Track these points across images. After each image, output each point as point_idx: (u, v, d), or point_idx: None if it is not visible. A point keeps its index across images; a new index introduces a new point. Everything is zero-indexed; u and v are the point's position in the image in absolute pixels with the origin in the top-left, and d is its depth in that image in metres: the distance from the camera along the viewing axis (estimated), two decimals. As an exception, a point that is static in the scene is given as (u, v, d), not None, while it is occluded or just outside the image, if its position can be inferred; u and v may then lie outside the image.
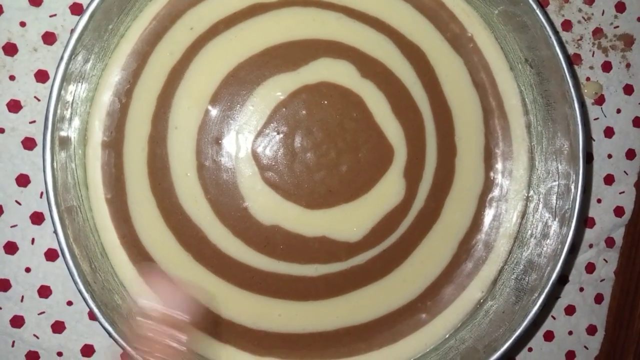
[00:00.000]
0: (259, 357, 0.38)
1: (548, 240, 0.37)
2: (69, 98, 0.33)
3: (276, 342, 0.39)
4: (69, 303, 0.39)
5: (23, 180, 0.38)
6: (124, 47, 0.36)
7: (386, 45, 0.38)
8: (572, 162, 0.36)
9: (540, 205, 0.39)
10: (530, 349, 0.45)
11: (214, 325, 0.38)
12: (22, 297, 0.39)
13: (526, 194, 0.40)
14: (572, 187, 0.36)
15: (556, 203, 0.38)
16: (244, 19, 0.37)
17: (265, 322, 0.38)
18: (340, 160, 0.38)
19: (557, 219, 0.37)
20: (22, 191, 0.38)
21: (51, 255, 0.39)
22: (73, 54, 0.31)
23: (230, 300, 0.38)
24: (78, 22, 0.31)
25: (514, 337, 0.35)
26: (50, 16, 0.38)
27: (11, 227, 0.38)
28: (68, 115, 0.34)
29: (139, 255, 0.37)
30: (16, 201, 0.38)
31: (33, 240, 0.39)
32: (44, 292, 0.39)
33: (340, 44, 0.38)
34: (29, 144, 0.38)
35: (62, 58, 0.31)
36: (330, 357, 0.39)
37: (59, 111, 0.32)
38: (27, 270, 0.39)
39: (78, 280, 0.32)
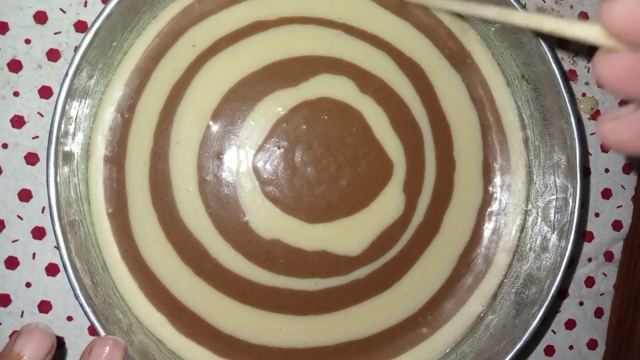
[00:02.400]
0: (259, 372, 0.38)
1: (547, 254, 0.38)
2: (73, 113, 0.34)
3: (277, 356, 0.38)
4: (69, 318, 0.39)
5: (25, 195, 0.38)
6: (127, 63, 0.36)
7: (385, 62, 0.39)
8: (569, 176, 0.37)
9: (539, 219, 0.39)
10: (531, 364, 0.45)
11: (214, 340, 0.38)
12: (22, 312, 0.39)
13: (525, 208, 0.41)
14: (570, 200, 0.36)
15: (554, 216, 0.38)
16: (245, 36, 0.37)
17: (265, 337, 0.38)
18: (340, 174, 0.38)
19: (555, 232, 0.38)
20: (24, 206, 0.38)
21: (52, 270, 0.39)
22: (78, 69, 0.32)
23: (230, 315, 0.38)
24: (83, 38, 0.32)
25: (514, 350, 0.35)
26: (55, 33, 0.38)
27: (12, 241, 0.38)
28: (71, 130, 0.34)
29: (140, 269, 0.37)
30: (18, 216, 0.38)
31: (34, 255, 0.39)
32: (44, 307, 0.39)
33: (339, 60, 0.39)
34: (31, 159, 0.38)
35: (67, 74, 0.32)
36: (330, 372, 0.39)
37: (62, 126, 0.32)
38: (28, 285, 0.39)
39: (80, 294, 0.32)
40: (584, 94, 0.45)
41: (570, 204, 0.36)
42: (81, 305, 0.32)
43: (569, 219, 0.36)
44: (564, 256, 0.36)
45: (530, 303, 0.37)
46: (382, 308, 0.40)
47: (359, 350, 0.39)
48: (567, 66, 0.45)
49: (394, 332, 0.40)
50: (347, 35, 0.39)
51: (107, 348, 0.30)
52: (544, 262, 0.38)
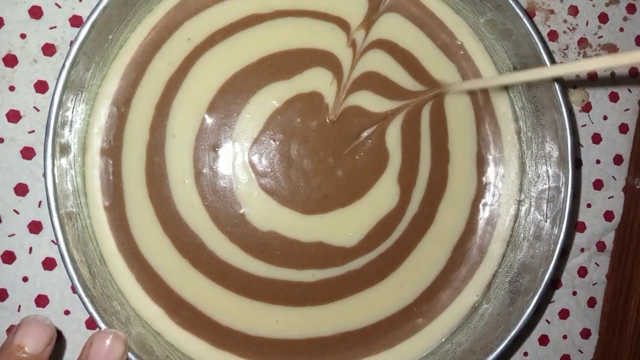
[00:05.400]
0: (256, 363, 0.38)
1: (540, 242, 0.38)
2: (70, 105, 0.34)
3: (274, 348, 0.39)
4: (66, 312, 0.39)
5: (21, 190, 0.39)
6: (123, 57, 0.37)
7: (379, 54, 0.39)
8: (561, 165, 0.37)
9: (532, 209, 0.40)
10: (525, 354, 0.45)
11: (211, 332, 0.38)
12: (19, 306, 0.39)
13: (518, 198, 0.41)
14: (562, 188, 0.37)
15: (547, 205, 0.38)
16: (240, 29, 0.38)
17: (262, 328, 0.39)
18: (337, 165, 0.39)
19: (548, 221, 0.38)
20: (20, 200, 0.39)
21: (49, 264, 0.39)
22: (75, 61, 0.32)
23: (227, 307, 0.38)
24: (80, 30, 0.32)
25: (509, 337, 0.36)
26: (50, 28, 0.38)
27: (9, 236, 0.38)
28: (68, 123, 0.35)
29: (137, 262, 0.37)
30: (14, 210, 0.38)
31: (31, 249, 0.39)
32: (41, 301, 0.39)
33: (333, 54, 0.39)
34: (27, 153, 0.38)
35: (64, 66, 0.32)
36: (327, 362, 0.39)
37: (59, 118, 0.33)
38: (25, 279, 0.39)
39: (78, 285, 0.32)
40: (574, 86, 0.46)
41: (562, 192, 0.37)
42: (79, 296, 0.32)
43: (561, 206, 0.37)
44: (557, 243, 0.36)
45: (524, 291, 0.38)
46: (378, 298, 0.40)
47: (355, 340, 0.40)
48: (558, 59, 0.45)
49: (390, 323, 0.40)
50: (340, 29, 0.39)
51: (108, 342, 0.30)
52: (537, 250, 0.38)
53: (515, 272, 0.39)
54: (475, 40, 0.40)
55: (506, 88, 0.41)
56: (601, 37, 0.46)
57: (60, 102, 0.32)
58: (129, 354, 0.32)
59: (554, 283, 0.46)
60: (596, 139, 0.46)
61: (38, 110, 0.38)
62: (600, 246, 0.46)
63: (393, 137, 0.39)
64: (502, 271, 0.40)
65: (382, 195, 0.40)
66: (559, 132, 0.37)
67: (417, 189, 0.40)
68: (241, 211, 0.38)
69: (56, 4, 0.38)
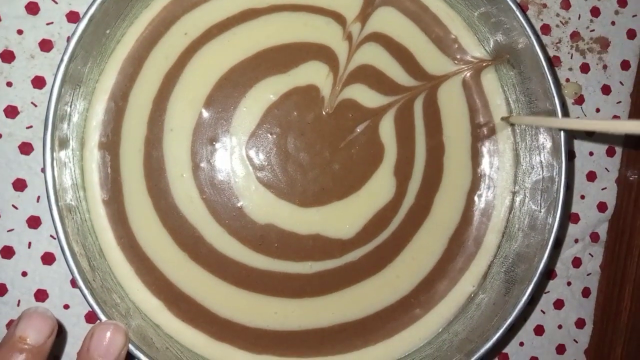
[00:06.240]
0: (255, 354, 0.39)
1: (535, 232, 0.39)
2: (68, 99, 0.34)
3: (273, 339, 0.39)
4: (66, 306, 0.39)
5: (20, 185, 0.39)
6: (120, 51, 0.37)
7: (374, 47, 0.40)
8: (554, 155, 0.38)
9: (527, 199, 0.40)
10: (521, 344, 0.46)
11: (211, 324, 0.38)
12: (19, 301, 0.39)
13: (513, 189, 0.42)
14: (556, 177, 0.37)
15: (541, 196, 0.39)
16: (236, 23, 0.38)
17: (261, 320, 0.39)
18: (334, 158, 0.39)
19: (543, 211, 0.38)
20: (18, 195, 0.39)
21: (48, 258, 0.39)
22: (73, 55, 0.32)
23: (226, 299, 0.38)
24: (78, 24, 0.32)
25: (505, 325, 0.36)
26: (47, 24, 0.39)
27: (8, 231, 0.39)
28: (67, 117, 0.35)
29: (136, 255, 0.37)
30: (13, 205, 0.39)
31: (30, 244, 0.39)
32: (41, 296, 0.39)
33: (329, 47, 0.39)
34: (25, 148, 0.39)
35: (62, 59, 0.32)
36: (326, 353, 0.40)
37: (58, 111, 0.33)
38: (24, 274, 0.39)
39: (78, 277, 0.32)
40: (567, 80, 0.46)
41: (556, 181, 0.37)
42: (80, 288, 0.32)
43: (555, 195, 0.37)
44: (552, 232, 0.37)
45: (520, 280, 0.38)
46: (376, 290, 0.40)
47: (353, 331, 0.40)
48: (551, 52, 0.46)
49: (388, 313, 0.40)
50: (336, 23, 0.39)
51: (109, 333, 0.30)
52: (532, 240, 0.39)
53: (510, 262, 0.40)
54: (469, 34, 0.41)
55: (500, 82, 0.42)
56: (593, 30, 0.46)
57: (59, 96, 0.32)
58: (130, 345, 0.32)
59: (549, 274, 0.46)
60: (589, 131, 0.46)
61: (36, 106, 0.39)
62: (594, 237, 0.47)
63: (387, 130, 0.40)
64: (498, 261, 0.41)
65: (379, 187, 0.40)
66: (552, 123, 0.38)
67: (413, 181, 0.41)
68: (239, 204, 0.38)
69: (53, 0, 0.39)
